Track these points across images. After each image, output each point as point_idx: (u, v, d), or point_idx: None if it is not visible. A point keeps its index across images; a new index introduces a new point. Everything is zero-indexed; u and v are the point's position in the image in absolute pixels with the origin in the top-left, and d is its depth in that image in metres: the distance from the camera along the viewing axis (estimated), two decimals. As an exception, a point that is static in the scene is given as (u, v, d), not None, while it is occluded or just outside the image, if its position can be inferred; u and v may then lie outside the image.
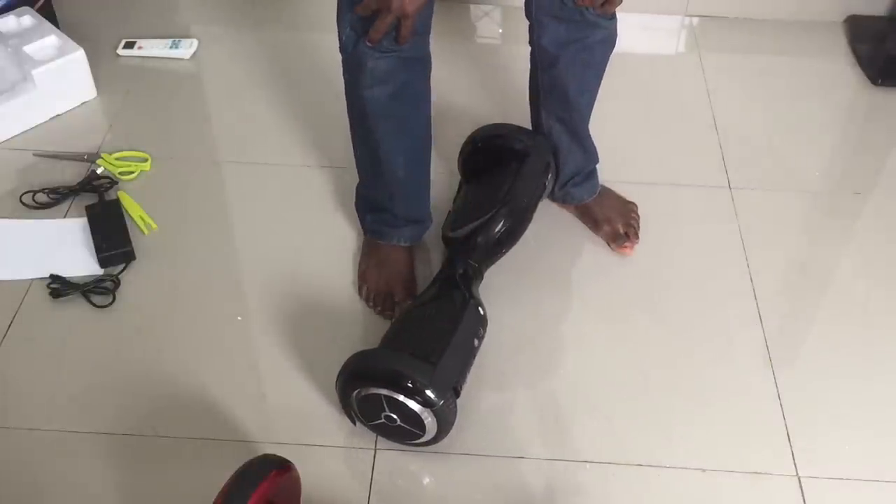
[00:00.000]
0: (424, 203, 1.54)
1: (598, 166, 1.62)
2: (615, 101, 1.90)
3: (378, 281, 1.51)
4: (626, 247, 1.60)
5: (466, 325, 1.30)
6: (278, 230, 1.63)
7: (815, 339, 1.50)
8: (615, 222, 1.62)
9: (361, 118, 1.37)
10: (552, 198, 1.65)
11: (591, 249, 1.61)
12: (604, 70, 1.46)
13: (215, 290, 1.52)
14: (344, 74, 1.33)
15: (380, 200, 1.50)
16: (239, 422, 1.33)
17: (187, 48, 2.01)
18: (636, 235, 1.62)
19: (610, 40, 1.40)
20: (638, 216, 1.65)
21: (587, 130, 1.56)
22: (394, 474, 1.29)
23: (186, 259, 1.57)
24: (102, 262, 1.53)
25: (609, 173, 1.74)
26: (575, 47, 1.38)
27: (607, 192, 1.67)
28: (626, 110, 1.88)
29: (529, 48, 1.46)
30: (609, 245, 1.61)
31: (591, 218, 1.64)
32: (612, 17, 1.37)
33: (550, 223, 1.60)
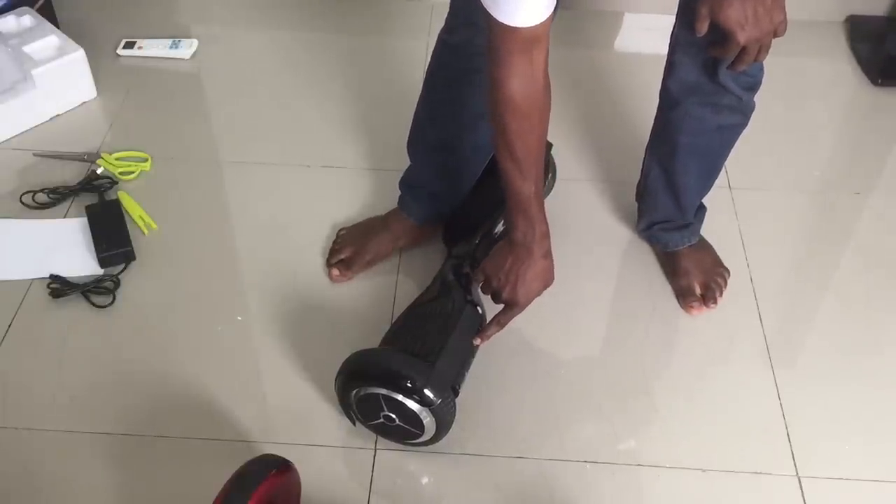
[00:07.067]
0: (453, 187, 1.51)
1: (698, 223, 1.52)
2: (616, 101, 1.91)
3: (355, 234, 1.55)
4: (692, 307, 1.49)
5: (465, 325, 1.30)
6: (278, 230, 1.63)
7: (815, 339, 1.50)
8: (694, 279, 1.49)
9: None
10: (639, 234, 1.59)
11: (591, 250, 1.61)
12: (726, 149, 1.39)
13: (215, 290, 1.52)
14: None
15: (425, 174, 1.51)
16: (239, 422, 1.33)
17: (187, 48, 2.01)
18: (714, 301, 1.48)
19: (740, 125, 1.34)
20: (725, 282, 1.51)
21: (691, 193, 1.46)
22: (394, 474, 1.29)
23: (186, 259, 1.57)
24: (102, 262, 1.53)
25: (611, 173, 1.74)
26: (701, 101, 1.30)
27: (703, 247, 1.54)
28: (627, 110, 1.87)
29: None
30: (677, 299, 1.51)
31: (671, 266, 1.53)
32: (752, 93, 1.28)
33: (550, 225, 1.60)
